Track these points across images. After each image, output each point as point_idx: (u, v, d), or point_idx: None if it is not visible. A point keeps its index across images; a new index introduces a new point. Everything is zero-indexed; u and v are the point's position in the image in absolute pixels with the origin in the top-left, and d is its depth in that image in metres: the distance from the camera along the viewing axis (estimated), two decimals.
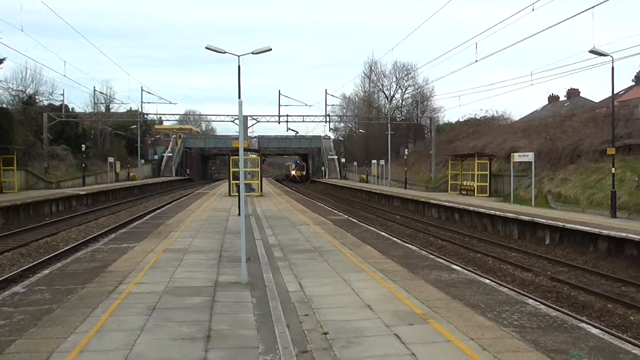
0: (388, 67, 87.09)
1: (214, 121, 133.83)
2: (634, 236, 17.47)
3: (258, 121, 59.57)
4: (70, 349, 7.00)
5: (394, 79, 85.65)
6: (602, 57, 25.39)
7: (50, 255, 18.38)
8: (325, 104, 62.20)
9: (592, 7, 24.59)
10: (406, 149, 60.76)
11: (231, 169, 39.27)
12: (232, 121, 61.48)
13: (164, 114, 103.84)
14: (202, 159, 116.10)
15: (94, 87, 72.73)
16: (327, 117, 63.67)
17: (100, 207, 38.95)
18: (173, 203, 37.83)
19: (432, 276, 11.87)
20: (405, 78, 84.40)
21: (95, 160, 62.15)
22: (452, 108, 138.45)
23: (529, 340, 7.45)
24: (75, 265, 12.91)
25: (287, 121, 60.03)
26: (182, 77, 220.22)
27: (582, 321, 9.75)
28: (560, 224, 21.29)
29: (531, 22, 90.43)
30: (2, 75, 60.95)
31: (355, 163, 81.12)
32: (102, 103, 75.47)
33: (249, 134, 60.24)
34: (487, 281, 12.12)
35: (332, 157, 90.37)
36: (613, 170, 24.49)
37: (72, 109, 66.45)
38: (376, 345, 7.31)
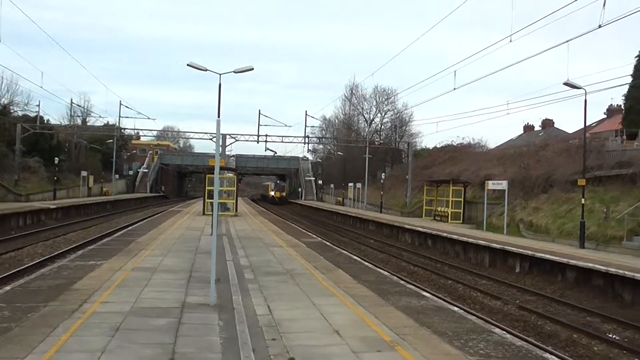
0: (369, 91, 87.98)
1: (192, 138, 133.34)
2: (600, 267, 17.71)
3: (237, 140, 59.39)
4: None
5: (374, 103, 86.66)
6: (575, 89, 25.93)
7: (13, 271, 17.87)
8: (305, 125, 62.37)
9: (568, 41, 25.17)
10: (383, 173, 61.09)
11: (207, 187, 39.05)
12: (211, 139, 61.30)
13: (141, 129, 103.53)
14: (178, 176, 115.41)
15: (71, 100, 72.08)
16: (307, 139, 63.84)
17: (70, 222, 38.35)
18: (146, 220, 37.43)
19: (402, 302, 11.89)
20: (385, 102, 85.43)
21: (68, 173, 61.36)
22: (430, 134, 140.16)
23: None
24: (39, 282, 12.66)
25: (266, 141, 60.04)
26: (162, 92, 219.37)
27: (547, 351, 9.83)
28: (530, 252, 21.51)
29: (509, 53, 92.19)
30: None
31: (332, 185, 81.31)
32: (79, 116, 74.94)
33: (227, 153, 60.16)
34: (456, 309, 12.17)
35: (309, 178, 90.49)
36: (583, 201, 24.88)
37: (48, 120, 65.81)
38: None
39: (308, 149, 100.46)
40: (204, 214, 39.47)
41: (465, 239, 26.89)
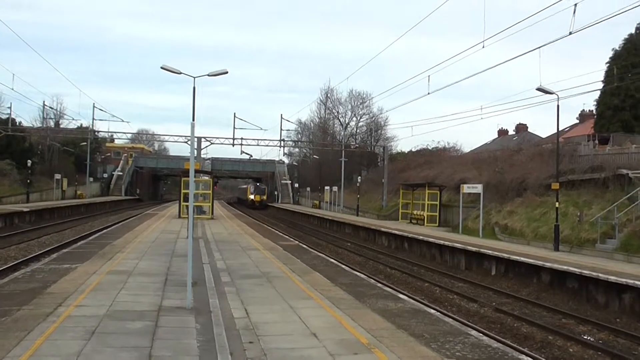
0: (344, 95, 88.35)
1: (167, 141, 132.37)
2: (574, 269, 17.97)
3: (212, 143, 59.23)
4: None
5: (350, 107, 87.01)
6: (548, 94, 26.31)
7: None
8: (281, 129, 62.45)
9: (540, 47, 25.55)
10: (359, 177, 61.34)
11: (182, 190, 38.78)
12: (186, 142, 60.93)
13: (115, 132, 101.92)
14: (153, 179, 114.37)
15: (44, 102, 71.35)
16: (282, 142, 63.82)
17: (44, 225, 37.77)
18: (121, 223, 37.01)
19: (379, 305, 11.92)
20: (361, 106, 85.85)
21: (41, 176, 60.49)
22: (405, 138, 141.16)
23: None
24: (12, 286, 12.44)
25: (241, 144, 59.99)
26: (136, 95, 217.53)
27: (523, 352, 9.94)
28: (505, 255, 21.73)
29: (482, 58, 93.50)
30: None
31: (308, 189, 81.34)
32: (52, 118, 74.06)
33: (202, 156, 59.89)
34: (433, 311, 12.25)
35: (285, 181, 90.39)
36: (557, 204, 25.24)
37: (20, 123, 64.90)
38: None
39: (284, 153, 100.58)
40: (179, 217, 39.21)
41: (441, 242, 27.08)
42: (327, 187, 66.47)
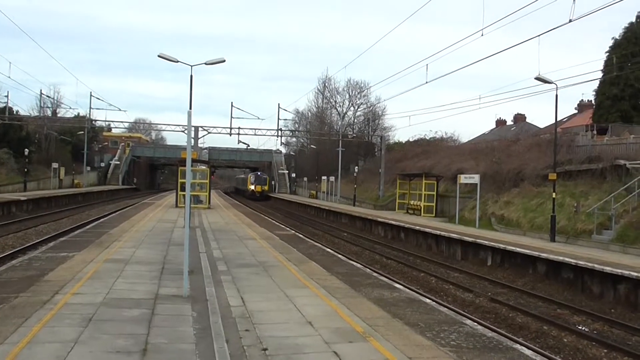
0: (341, 84, 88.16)
1: (164, 130, 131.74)
2: (570, 260, 18.05)
3: (209, 132, 59.06)
4: None
5: (347, 97, 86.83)
6: (547, 84, 26.27)
7: None
8: (278, 118, 62.28)
9: (538, 35, 25.66)
10: (356, 167, 61.33)
11: (179, 180, 38.75)
12: (183, 131, 60.82)
13: (112, 121, 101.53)
14: (150, 169, 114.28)
15: (41, 91, 71.04)
16: (279, 132, 63.71)
17: (41, 214, 37.76)
18: (118, 212, 37.01)
19: (375, 294, 11.97)
20: (358, 96, 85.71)
21: (38, 165, 60.41)
22: (402, 127, 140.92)
23: None
24: (9, 274, 12.47)
25: (238, 134, 59.78)
26: (134, 84, 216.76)
27: (517, 342, 10.00)
28: (501, 246, 21.81)
29: (480, 47, 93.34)
30: None
31: (305, 178, 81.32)
32: (49, 107, 73.78)
33: (199, 145, 59.70)
34: (428, 301, 12.31)
35: (282, 171, 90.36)
36: (554, 195, 25.30)
37: (17, 111, 64.66)
38: None
39: (281, 142, 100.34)
40: (176, 206, 39.22)
41: (437, 232, 27.15)
42: (324, 177, 66.47)
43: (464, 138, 69.41)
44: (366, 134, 79.93)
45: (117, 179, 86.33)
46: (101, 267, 13.68)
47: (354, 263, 17.98)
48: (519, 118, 68.63)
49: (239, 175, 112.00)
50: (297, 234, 27.19)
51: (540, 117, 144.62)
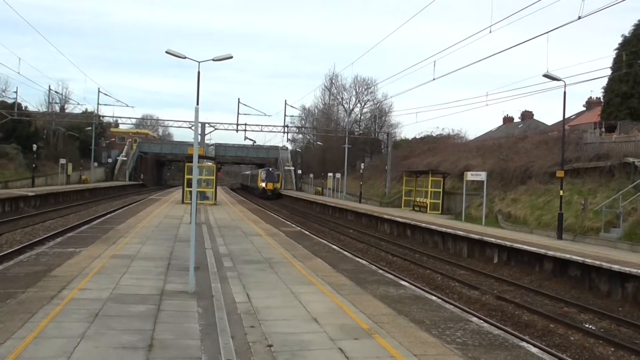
0: (348, 80, 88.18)
1: (171, 127, 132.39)
2: (577, 258, 17.97)
3: (216, 129, 59.10)
4: (5, 355, 6.77)
5: (354, 93, 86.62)
6: (555, 81, 26.14)
7: None
8: (285, 115, 62.19)
9: (547, 32, 25.46)
10: (362, 163, 61.21)
11: (186, 176, 38.85)
12: (190, 127, 60.86)
13: (120, 117, 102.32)
14: (157, 165, 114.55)
15: (49, 86, 71.16)
16: (286, 128, 63.66)
17: (48, 210, 37.93)
18: (124, 208, 37.15)
19: (380, 291, 11.96)
20: (365, 92, 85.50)
21: (46, 161, 60.65)
22: (409, 124, 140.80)
23: (470, 358, 7.57)
24: (17, 269, 12.52)
25: (245, 130, 59.68)
26: (141, 80, 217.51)
27: (524, 340, 9.97)
28: (508, 243, 21.74)
29: (488, 44, 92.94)
30: None
31: (311, 175, 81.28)
32: (57, 103, 74.04)
33: (206, 142, 59.75)
34: (434, 298, 12.29)
35: (288, 168, 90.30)
36: (561, 192, 25.18)
37: (26, 107, 64.92)
38: (320, 359, 7.31)
39: (287, 139, 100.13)
40: (183, 202, 39.33)
41: (443, 229, 27.09)
42: (330, 174, 66.41)
43: (471, 135, 69.14)
44: (373, 130, 79.72)
45: (124, 175, 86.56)
46: (108, 262, 13.73)
47: (360, 260, 17.97)
48: (527, 115, 68.30)
49: (245, 172, 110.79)
50: (302, 230, 27.20)
51: (548, 114, 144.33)
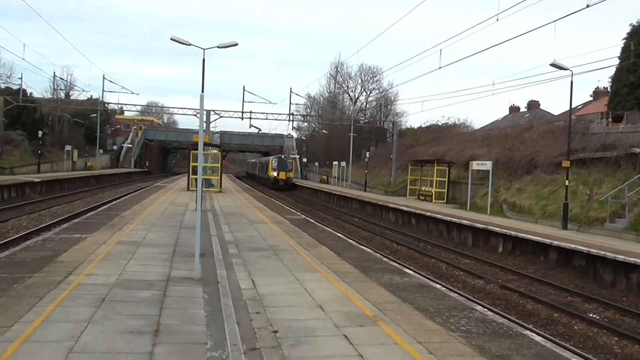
0: (354, 69, 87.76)
1: (176, 114, 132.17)
2: (582, 248, 17.97)
3: (221, 116, 59.18)
4: (13, 339, 6.84)
5: (359, 81, 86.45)
6: (562, 70, 26.00)
7: None
8: (290, 103, 62.52)
9: (554, 21, 25.39)
10: (368, 152, 61.21)
11: (191, 164, 38.91)
12: (195, 115, 60.95)
13: (125, 104, 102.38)
14: (162, 152, 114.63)
15: (54, 73, 71.59)
16: (291, 116, 63.62)
17: (54, 196, 38.09)
18: (130, 195, 37.23)
19: (385, 279, 11.99)
20: (371, 81, 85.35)
21: (52, 147, 60.83)
22: (415, 113, 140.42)
23: (474, 346, 7.60)
24: (24, 254, 12.60)
25: (250, 118, 59.83)
26: (146, 67, 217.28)
27: (527, 328, 9.99)
28: (513, 233, 21.74)
29: (495, 32, 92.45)
30: None
31: (316, 163, 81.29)
32: (62, 89, 74.13)
33: (211, 129, 59.88)
34: (439, 286, 12.31)
35: (293, 156, 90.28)
36: (567, 182, 25.12)
37: (31, 93, 65.02)
38: (325, 345, 7.35)
39: (292, 127, 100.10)
40: (188, 189, 39.39)
41: (448, 218, 27.10)
42: (335, 162, 66.37)
43: (477, 124, 68.97)
44: (378, 119, 79.58)
45: (130, 162, 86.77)
46: (114, 248, 13.80)
47: (365, 248, 17.99)
48: (533, 105, 68.06)
49: (250, 160, 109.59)
50: (307, 218, 27.24)
51: (555, 104, 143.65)
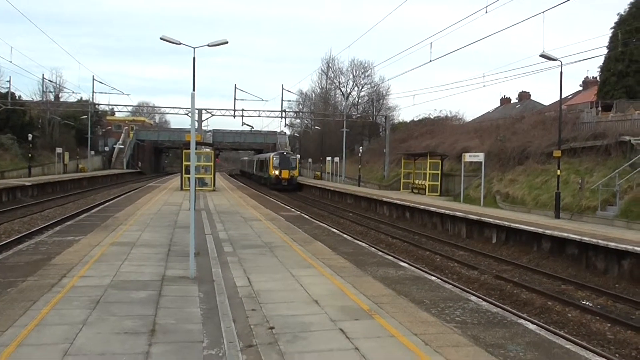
0: (345, 64, 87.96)
1: (167, 113, 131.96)
2: (574, 236, 18.07)
3: (213, 115, 58.99)
4: (7, 343, 6.82)
5: (351, 77, 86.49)
6: (551, 61, 26.09)
7: None
8: (282, 100, 62.49)
9: (543, 12, 25.41)
10: (361, 147, 61.20)
11: (184, 163, 38.82)
12: (186, 114, 60.80)
13: (116, 105, 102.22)
14: (154, 152, 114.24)
15: (43, 75, 71.12)
16: (283, 113, 63.57)
17: (46, 199, 37.94)
18: (123, 196, 37.13)
19: (380, 273, 12.03)
20: (362, 76, 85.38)
21: (42, 150, 60.52)
22: (407, 107, 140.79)
23: (469, 336, 7.65)
24: (16, 258, 12.56)
25: (242, 115, 59.68)
26: (136, 67, 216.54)
27: (522, 317, 10.05)
28: (506, 223, 21.84)
29: (485, 24, 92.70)
30: None
31: (309, 160, 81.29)
32: (51, 92, 73.79)
33: (203, 128, 59.74)
34: (434, 278, 12.36)
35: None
36: (558, 172, 25.25)
37: (19, 96, 64.56)
38: (321, 340, 7.38)
39: (285, 124, 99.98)
40: (181, 189, 39.32)
41: (442, 210, 27.18)
42: (328, 158, 66.41)
43: (469, 117, 69.18)
44: (370, 114, 79.68)
45: (122, 163, 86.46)
46: (107, 250, 13.77)
47: (360, 242, 18.04)
48: (524, 96, 68.30)
49: (244, 157, 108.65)
50: (302, 214, 27.25)
51: (545, 94, 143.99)
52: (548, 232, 19.44)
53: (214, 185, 41.67)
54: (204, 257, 12.87)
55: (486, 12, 25.76)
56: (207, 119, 60.31)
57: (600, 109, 37.02)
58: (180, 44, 26.94)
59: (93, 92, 66.60)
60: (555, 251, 19.21)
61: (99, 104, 73.35)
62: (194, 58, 28.36)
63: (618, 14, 40.84)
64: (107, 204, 30.77)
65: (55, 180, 47.89)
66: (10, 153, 53.41)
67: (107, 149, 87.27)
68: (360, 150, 58.88)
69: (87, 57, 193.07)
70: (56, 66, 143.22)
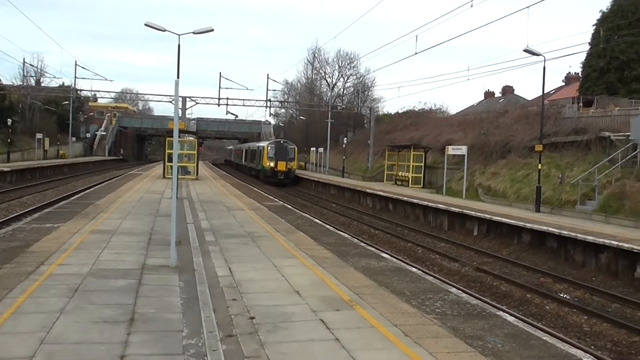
0: (331, 55, 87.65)
1: (151, 101, 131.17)
2: (554, 230, 18.27)
3: (197, 103, 58.74)
4: None
5: (337, 67, 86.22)
6: (535, 56, 26.24)
7: None
8: (267, 89, 62.06)
9: (528, 7, 25.49)
10: (345, 138, 61.22)
11: (167, 151, 38.54)
12: (170, 101, 60.36)
13: (98, 91, 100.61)
14: (137, 140, 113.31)
15: (24, 59, 69.97)
16: (268, 102, 63.31)
17: (25, 185, 37.46)
18: (104, 183, 36.80)
19: (362, 264, 12.06)
20: (348, 67, 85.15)
21: (22, 136, 59.71)
22: (391, 99, 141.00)
23: (449, 327, 7.70)
24: None
25: (227, 104, 59.47)
26: (120, 54, 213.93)
27: (501, 309, 10.16)
28: (487, 216, 22.00)
29: (470, 18, 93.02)
30: None
31: None
32: (32, 76, 72.65)
33: (187, 116, 59.30)
34: (415, 270, 12.42)
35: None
36: (539, 166, 25.45)
37: None
38: (302, 330, 7.38)
39: (270, 113, 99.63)
40: (164, 177, 39.06)
41: (425, 203, 27.31)
42: (313, 149, 66.35)
43: (453, 110, 69.57)
44: (356, 105, 79.64)
45: (104, 149, 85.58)
46: (87, 238, 13.64)
47: (342, 233, 18.06)
48: (507, 90, 68.70)
49: (228, 146, 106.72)
50: (285, 205, 27.22)
51: (529, 89, 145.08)
52: (528, 225, 19.62)
53: (197, 173, 41.46)
54: (185, 246, 12.80)
55: (472, 6, 25.87)
56: (191, 107, 60.09)
57: (581, 104, 37.35)
58: (165, 30, 26.69)
59: (75, 77, 65.57)
60: (535, 244, 19.40)
61: (81, 90, 72.62)
62: (178, 45, 28.13)
63: (600, 11, 41.24)
64: (87, 191, 30.45)
65: (35, 166, 47.34)
66: None
67: (89, 135, 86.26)
68: (345, 141, 58.90)
69: (70, 42, 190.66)
70: (38, 50, 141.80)
